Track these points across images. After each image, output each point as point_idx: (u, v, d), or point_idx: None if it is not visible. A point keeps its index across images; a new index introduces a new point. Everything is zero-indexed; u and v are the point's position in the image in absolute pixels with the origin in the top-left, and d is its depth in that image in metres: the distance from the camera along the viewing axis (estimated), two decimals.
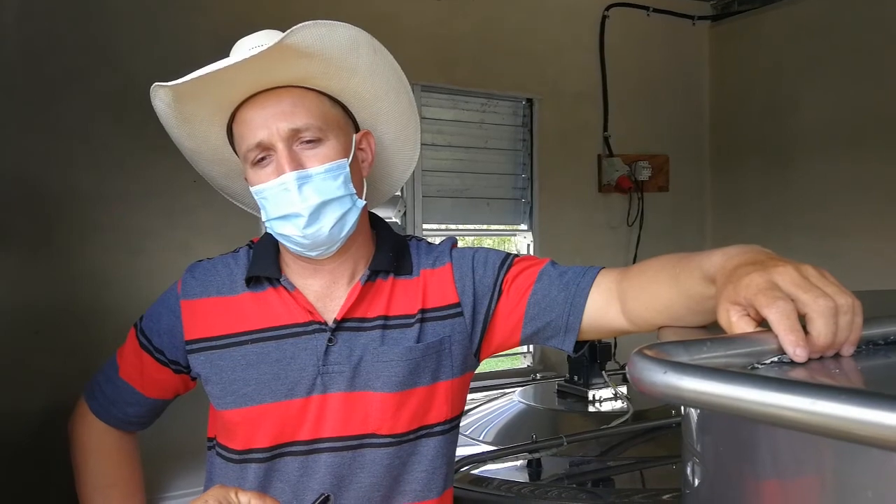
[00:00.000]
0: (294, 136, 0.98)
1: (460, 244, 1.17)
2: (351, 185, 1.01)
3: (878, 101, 2.47)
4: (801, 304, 0.62)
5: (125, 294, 1.66)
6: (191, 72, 0.99)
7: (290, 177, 0.96)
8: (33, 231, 1.64)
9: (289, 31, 0.91)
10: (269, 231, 1.04)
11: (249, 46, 0.99)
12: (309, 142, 0.98)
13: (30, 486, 1.54)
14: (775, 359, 0.60)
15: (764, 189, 2.85)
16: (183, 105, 0.99)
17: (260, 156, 0.98)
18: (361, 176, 1.06)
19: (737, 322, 0.66)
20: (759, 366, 0.59)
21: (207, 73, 0.93)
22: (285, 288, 1.06)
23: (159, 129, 1.05)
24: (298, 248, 1.01)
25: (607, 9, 2.75)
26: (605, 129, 2.78)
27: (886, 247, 2.40)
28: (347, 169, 1.00)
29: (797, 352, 0.59)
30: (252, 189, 1.01)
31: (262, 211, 1.02)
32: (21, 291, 1.59)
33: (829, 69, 2.62)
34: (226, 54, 1.00)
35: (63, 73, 1.68)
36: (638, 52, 2.88)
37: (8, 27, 1.61)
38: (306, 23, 0.91)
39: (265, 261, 1.08)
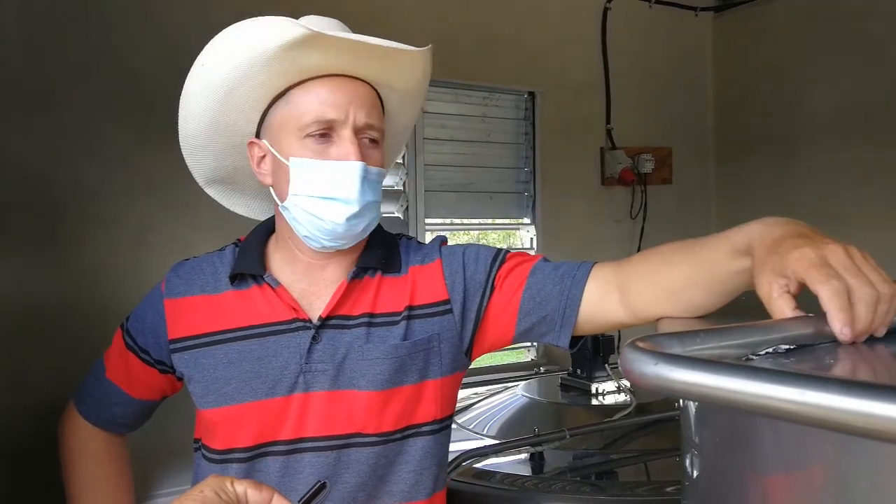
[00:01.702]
0: (362, 130, 0.99)
1: (461, 239, 1.17)
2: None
3: (882, 92, 2.46)
4: (848, 288, 0.63)
5: (127, 290, 1.66)
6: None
7: (358, 166, 0.96)
8: (36, 228, 1.64)
9: (427, 47, 1.01)
10: (287, 207, 1.00)
11: (331, 27, 0.99)
12: (371, 140, 1.01)
13: (31, 483, 1.54)
14: (770, 350, 0.60)
15: (768, 181, 2.84)
16: (284, 51, 0.94)
17: (321, 131, 0.97)
18: None
19: (777, 297, 0.66)
20: (754, 357, 0.59)
21: (350, 38, 0.95)
22: (269, 285, 1.04)
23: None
24: (321, 234, 1.00)
25: (609, 0, 2.74)
26: (608, 121, 2.77)
27: (892, 238, 2.39)
28: (384, 178, 1.05)
29: (844, 331, 0.61)
30: (297, 159, 0.98)
31: (291, 183, 0.99)
32: (24, 288, 1.60)
33: (834, 59, 2.60)
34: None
35: (64, 71, 1.68)
36: (640, 44, 2.86)
37: (8, 26, 1.61)
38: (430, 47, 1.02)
39: (249, 258, 1.07)
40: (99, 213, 1.72)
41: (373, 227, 1.04)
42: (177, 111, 1.06)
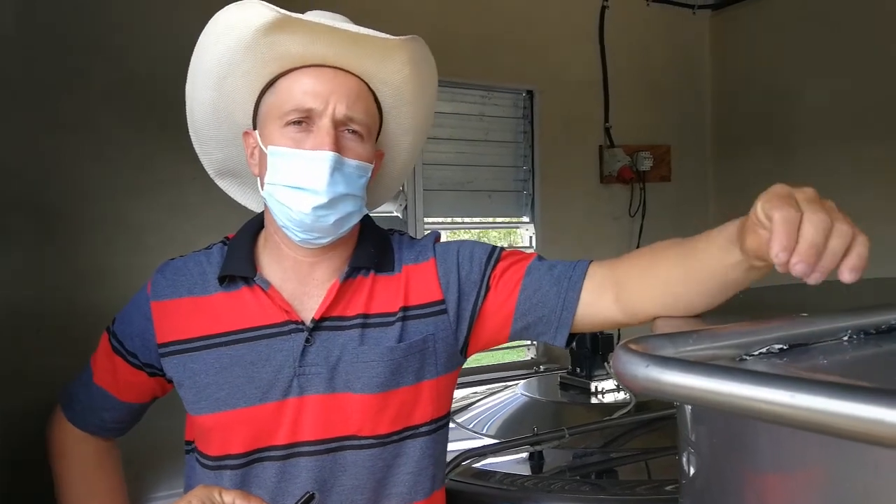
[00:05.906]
0: (344, 123, 0.97)
1: (451, 237, 1.15)
2: (366, 191, 1.01)
3: (880, 88, 2.45)
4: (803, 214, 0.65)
5: (126, 291, 1.64)
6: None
7: (328, 156, 0.94)
8: (34, 229, 1.64)
9: (408, 37, 0.97)
10: (265, 196, 0.99)
11: (333, 21, 0.96)
12: (354, 132, 0.98)
13: (29, 486, 1.54)
14: (763, 350, 0.60)
15: (767, 177, 2.77)
16: (262, 35, 0.94)
17: (299, 119, 0.96)
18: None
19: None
20: (747, 357, 0.59)
21: (327, 24, 0.92)
22: (260, 287, 1.02)
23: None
24: (292, 225, 0.98)
25: None
26: (607, 119, 2.77)
27: (890, 233, 2.39)
28: (369, 174, 1.01)
29: (780, 255, 0.63)
30: (273, 147, 0.96)
31: (268, 172, 0.97)
32: (22, 289, 1.60)
33: (832, 56, 2.60)
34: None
35: (63, 71, 1.68)
36: (638, 42, 2.86)
37: (8, 24, 1.61)
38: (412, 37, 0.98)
39: (239, 259, 1.04)
40: (98, 214, 1.72)
41: (351, 223, 1.01)
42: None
